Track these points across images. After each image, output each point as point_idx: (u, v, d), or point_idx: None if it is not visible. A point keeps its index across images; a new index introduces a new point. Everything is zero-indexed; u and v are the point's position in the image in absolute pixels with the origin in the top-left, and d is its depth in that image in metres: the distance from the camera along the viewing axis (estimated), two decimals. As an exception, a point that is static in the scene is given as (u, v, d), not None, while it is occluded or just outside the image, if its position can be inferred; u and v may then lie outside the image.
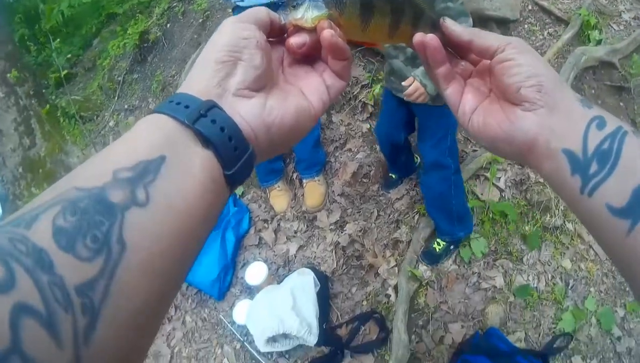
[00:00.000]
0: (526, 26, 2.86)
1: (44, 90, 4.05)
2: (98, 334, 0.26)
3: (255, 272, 2.29)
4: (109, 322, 0.26)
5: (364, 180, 2.48)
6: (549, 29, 2.86)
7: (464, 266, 2.21)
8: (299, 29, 0.45)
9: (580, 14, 2.82)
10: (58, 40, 4.22)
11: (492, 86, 0.48)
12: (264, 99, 0.40)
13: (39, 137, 3.85)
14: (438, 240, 2.19)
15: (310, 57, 0.47)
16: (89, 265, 0.26)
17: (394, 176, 2.41)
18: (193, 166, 0.34)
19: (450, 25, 0.49)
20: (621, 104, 2.70)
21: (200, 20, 3.30)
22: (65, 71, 4.49)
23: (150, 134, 0.34)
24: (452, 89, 0.49)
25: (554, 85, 0.42)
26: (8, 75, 3.83)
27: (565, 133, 0.41)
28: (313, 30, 0.45)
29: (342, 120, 2.67)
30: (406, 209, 2.35)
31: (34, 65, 4.73)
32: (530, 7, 2.96)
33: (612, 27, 2.90)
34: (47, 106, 3.63)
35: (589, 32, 2.79)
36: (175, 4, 3.61)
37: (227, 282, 2.41)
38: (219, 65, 0.39)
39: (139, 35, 3.50)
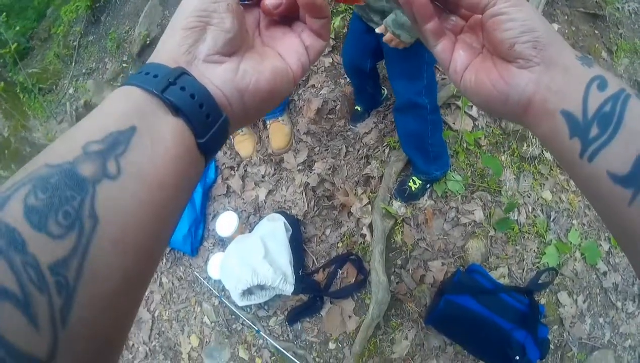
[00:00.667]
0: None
1: (0, 69, 3.90)
2: (75, 314, 0.25)
3: (225, 222, 2.20)
4: (85, 301, 0.25)
5: (330, 116, 2.36)
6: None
7: (440, 201, 2.13)
8: None
9: None
10: (4, 14, 4.01)
11: (485, 42, 0.44)
12: (236, 64, 0.38)
13: (0, 118, 3.73)
14: (414, 178, 2.08)
15: (287, 17, 0.44)
16: (62, 242, 0.25)
17: (359, 108, 2.28)
18: (164, 135, 0.32)
19: None
20: (596, 31, 2.59)
21: (151, -30, 3.11)
22: (21, 46, 4.31)
23: (119, 106, 0.33)
24: (442, 46, 0.45)
25: (550, 41, 0.39)
26: (-41, 58, 3.67)
27: (563, 92, 0.38)
28: None
29: None
30: (375, 143, 2.24)
31: (-14, 45, 4.53)
32: None
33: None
34: (2, 84, 3.46)
35: (561, -47, 2.64)
36: (124, -41, 3.41)
37: (199, 237, 2.33)
38: (187, 32, 0.37)
39: (89, -6, 3.32)
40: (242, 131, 2.35)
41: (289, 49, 0.43)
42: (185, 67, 0.36)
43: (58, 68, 3.47)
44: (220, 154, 2.44)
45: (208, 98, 0.35)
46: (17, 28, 4.09)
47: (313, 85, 2.43)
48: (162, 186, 0.31)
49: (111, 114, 0.32)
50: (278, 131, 2.30)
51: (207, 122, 0.35)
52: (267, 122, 2.35)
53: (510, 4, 0.41)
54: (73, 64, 3.33)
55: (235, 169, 2.38)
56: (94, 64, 3.15)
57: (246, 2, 0.44)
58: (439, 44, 0.46)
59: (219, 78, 0.37)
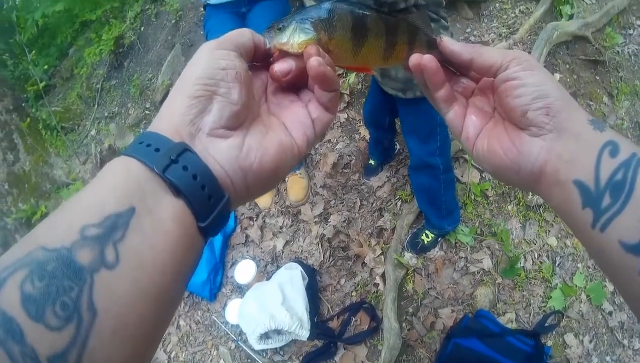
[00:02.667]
0: (497, 5, 2.85)
1: (23, 104, 4.02)
2: None
3: (244, 270, 2.30)
4: None
5: (345, 171, 2.49)
6: (520, 7, 2.86)
7: (450, 251, 2.23)
8: (284, 54, 0.43)
9: (551, -11, 2.83)
10: (34, 52, 4.17)
11: (496, 105, 0.45)
12: (241, 138, 0.37)
13: (22, 152, 3.82)
14: (427, 232, 2.19)
15: (296, 84, 0.44)
16: (60, 335, 0.25)
17: (373, 163, 2.41)
18: (164, 218, 0.32)
19: (449, 44, 0.46)
20: (597, 77, 2.71)
21: (173, 21, 3.29)
22: (44, 83, 4.45)
23: (118, 182, 0.32)
24: (454, 113, 0.46)
25: (563, 106, 0.39)
26: (-15, 92, 3.80)
27: (575, 160, 0.38)
28: (300, 56, 0.42)
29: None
30: (388, 196, 2.36)
31: (11, 80, 4.69)
32: (501, -14, 2.96)
33: (583, 0, 2.90)
34: (28, 120, 3.60)
35: (561, 7, 2.79)
36: (147, 7, 3.59)
37: (217, 283, 2.42)
38: (193, 101, 0.36)
39: (114, 40, 3.48)
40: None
41: (295, 121, 0.42)
42: (188, 139, 0.35)
43: (80, 109, 3.61)
44: (239, 204, 2.56)
45: (211, 179, 0.35)
46: (46, 67, 4.24)
47: (329, 140, 2.56)
48: (161, 273, 0.30)
49: (110, 191, 0.31)
50: (296, 184, 2.42)
51: (209, 204, 0.34)
52: (286, 175, 2.48)
53: (522, 67, 0.41)
54: (95, 106, 3.47)
55: (254, 219, 2.49)
56: (117, 108, 3.29)
57: (254, 64, 0.44)
58: (450, 110, 0.46)
59: (222, 155, 0.36)
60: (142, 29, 3.47)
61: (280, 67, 0.42)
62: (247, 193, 0.38)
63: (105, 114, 3.32)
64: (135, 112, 3.12)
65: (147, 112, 3.07)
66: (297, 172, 2.44)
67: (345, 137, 2.58)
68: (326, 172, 2.45)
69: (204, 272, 2.34)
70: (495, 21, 2.84)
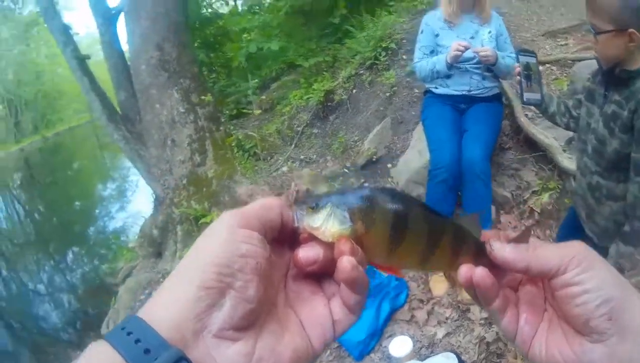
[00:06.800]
0: None
1: (222, 119, 4.50)
2: None
3: (400, 345, 2.37)
4: None
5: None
6: None
7: None
8: (313, 238, 0.39)
9: None
10: (256, 80, 4.65)
11: (553, 307, 0.42)
12: (252, 343, 0.33)
13: (210, 159, 4.26)
14: None
15: (321, 273, 0.39)
16: None
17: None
18: None
19: (500, 252, 0.41)
20: None
21: (387, 95, 3.56)
22: (242, 106, 5.01)
23: None
24: (508, 319, 0.42)
25: (625, 307, 0.37)
26: (191, 94, 4.35)
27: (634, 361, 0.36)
28: (330, 245, 0.38)
29: (510, 222, 2.73)
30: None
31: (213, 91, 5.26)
32: None
33: None
34: (232, 136, 4.01)
35: None
36: (362, 72, 3.92)
37: (370, 347, 2.53)
38: (202, 292, 0.31)
39: (325, 93, 3.84)
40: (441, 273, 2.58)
41: (314, 320, 0.38)
42: (192, 337, 0.31)
43: (276, 143, 4.00)
44: (414, 285, 2.67)
45: None
46: (249, 92, 4.70)
47: None
48: None
49: None
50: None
51: None
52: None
53: (582, 269, 0.38)
54: (292, 146, 3.83)
55: (424, 303, 2.59)
56: (315, 156, 3.61)
57: (278, 241, 0.39)
58: (504, 318, 0.42)
59: None
60: (354, 91, 3.81)
61: (306, 254, 0.38)
62: None
63: (302, 157, 3.65)
64: (334, 167, 3.40)
65: (345, 170, 3.33)
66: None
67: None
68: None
69: (362, 332, 2.48)
70: None
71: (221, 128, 4.32)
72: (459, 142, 2.44)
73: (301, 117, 3.99)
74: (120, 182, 11.53)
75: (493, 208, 2.63)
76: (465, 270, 0.40)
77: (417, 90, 3.40)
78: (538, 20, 4.13)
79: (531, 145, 2.88)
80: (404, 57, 3.78)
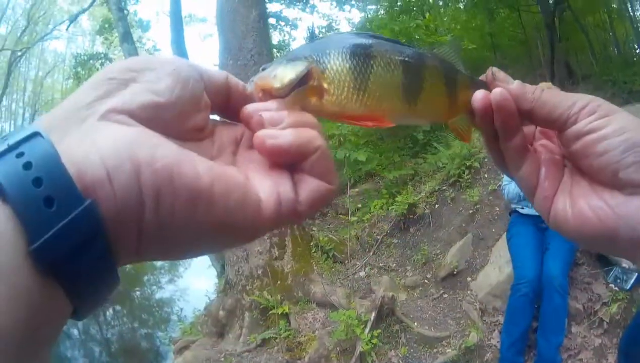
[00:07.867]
0: None
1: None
2: None
3: None
4: None
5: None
6: None
7: None
8: (267, 96, 0.33)
9: None
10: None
11: (575, 167, 0.37)
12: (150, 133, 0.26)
13: (288, 254, 4.39)
14: None
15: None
16: None
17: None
18: None
19: (504, 83, 0.36)
20: None
21: (470, 212, 3.68)
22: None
23: None
24: (527, 167, 0.37)
25: None
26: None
27: None
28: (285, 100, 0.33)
29: (579, 332, 2.72)
30: None
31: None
32: None
33: None
34: (312, 238, 4.16)
35: None
36: (445, 187, 4.10)
37: None
38: (104, 82, 0.26)
39: (408, 206, 4.01)
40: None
41: (266, 176, 0.30)
42: (74, 127, 0.24)
43: (355, 248, 4.13)
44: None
45: (54, 167, 0.22)
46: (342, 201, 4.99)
47: (581, 360, 2.58)
48: None
49: None
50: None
51: (46, 213, 0.21)
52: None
53: (598, 115, 0.33)
54: (371, 253, 3.96)
55: None
56: (394, 265, 3.71)
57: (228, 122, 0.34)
58: (524, 165, 0.36)
59: (108, 140, 0.24)
60: (436, 206, 3.96)
61: (255, 106, 0.32)
62: (153, 217, 0.24)
63: (380, 265, 3.75)
64: (415, 278, 3.47)
65: (425, 281, 3.39)
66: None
67: (594, 361, 2.57)
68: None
69: None
70: None
71: (302, 226, 4.52)
72: (541, 259, 2.60)
73: (382, 226, 4.15)
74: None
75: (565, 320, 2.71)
76: (482, 93, 0.36)
77: (497, 209, 3.50)
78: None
79: (602, 260, 2.95)
80: (486, 175, 3.94)
